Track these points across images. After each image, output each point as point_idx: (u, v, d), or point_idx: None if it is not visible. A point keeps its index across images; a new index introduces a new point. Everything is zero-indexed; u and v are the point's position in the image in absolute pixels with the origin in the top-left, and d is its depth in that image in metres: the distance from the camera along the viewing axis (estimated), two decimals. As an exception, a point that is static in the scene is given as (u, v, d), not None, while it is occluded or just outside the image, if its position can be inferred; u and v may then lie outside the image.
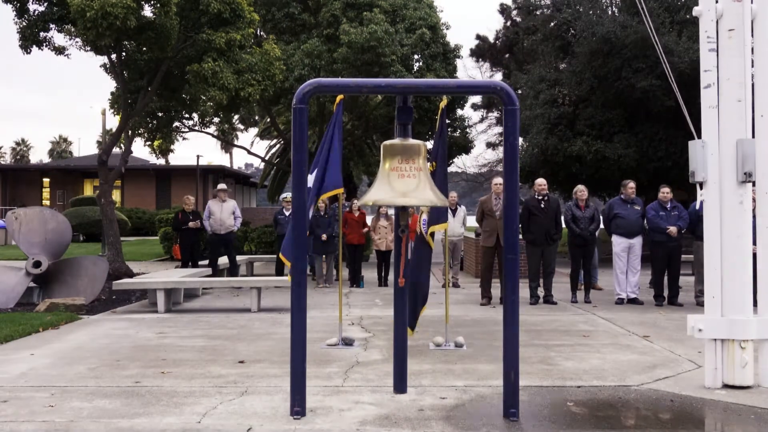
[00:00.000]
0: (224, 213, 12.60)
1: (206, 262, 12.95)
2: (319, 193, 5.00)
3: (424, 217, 5.34)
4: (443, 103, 5.16)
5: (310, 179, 4.99)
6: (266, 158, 32.43)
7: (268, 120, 25.00)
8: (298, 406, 4.59)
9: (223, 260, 13.05)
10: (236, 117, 24.67)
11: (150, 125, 15.96)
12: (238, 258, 14.20)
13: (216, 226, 12.54)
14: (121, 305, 10.47)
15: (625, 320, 8.85)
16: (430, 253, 5.30)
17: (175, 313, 9.68)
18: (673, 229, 9.93)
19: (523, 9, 25.41)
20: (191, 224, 12.81)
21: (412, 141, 4.71)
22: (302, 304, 4.61)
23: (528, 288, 10.31)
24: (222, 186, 13.17)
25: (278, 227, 13.38)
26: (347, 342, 7.11)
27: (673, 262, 10.19)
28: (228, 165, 50.70)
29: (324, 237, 12.55)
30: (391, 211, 13.20)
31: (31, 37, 13.14)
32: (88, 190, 39.07)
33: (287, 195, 13.81)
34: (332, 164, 5.02)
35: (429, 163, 5.10)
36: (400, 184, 4.53)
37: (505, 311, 4.63)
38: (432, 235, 5.30)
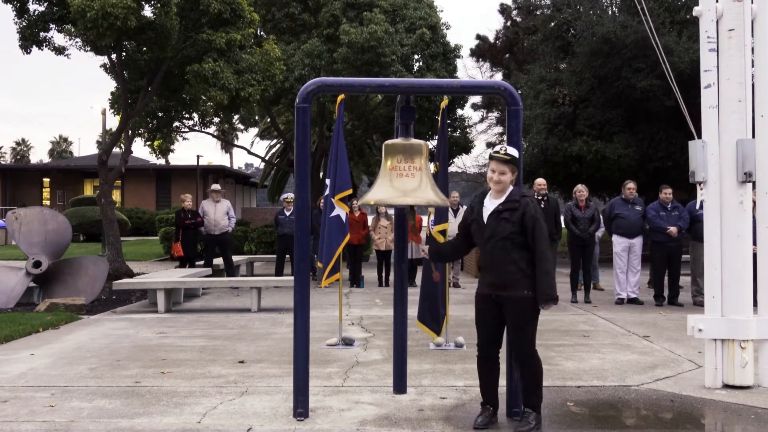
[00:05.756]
0: (218, 213, 12.63)
1: (202, 262, 12.96)
2: (333, 195, 5.06)
3: (432, 218, 5.36)
4: (444, 103, 5.16)
5: (328, 183, 5.08)
6: (266, 158, 32.44)
7: (268, 120, 25.01)
8: (302, 407, 4.58)
9: (220, 260, 13.05)
10: (236, 117, 24.68)
11: (150, 125, 15.97)
12: (238, 258, 14.21)
13: (210, 227, 12.58)
14: (121, 305, 10.48)
15: (625, 320, 8.86)
16: None
17: (175, 313, 9.68)
18: (673, 230, 9.94)
19: (523, 9, 25.43)
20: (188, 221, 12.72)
21: (413, 140, 4.71)
22: (305, 306, 4.60)
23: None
24: (215, 186, 13.18)
25: (279, 227, 13.40)
26: (347, 342, 7.14)
27: (674, 262, 10.19)
28: (228, 165, 50.71)
29: None
30: (391, 211, 13.20)
31: (31, 37, 13.14)
32: (88, 190, 39.08)
33: (287, 195, 13.84)
34: (341, 166, 5.07)
35: (432, 164, 5.11)
36: (401, 183, 4.53)
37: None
38: (443, 233, 5.31)
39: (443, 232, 5.34)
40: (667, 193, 10.20)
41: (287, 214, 13.16)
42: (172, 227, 15.82)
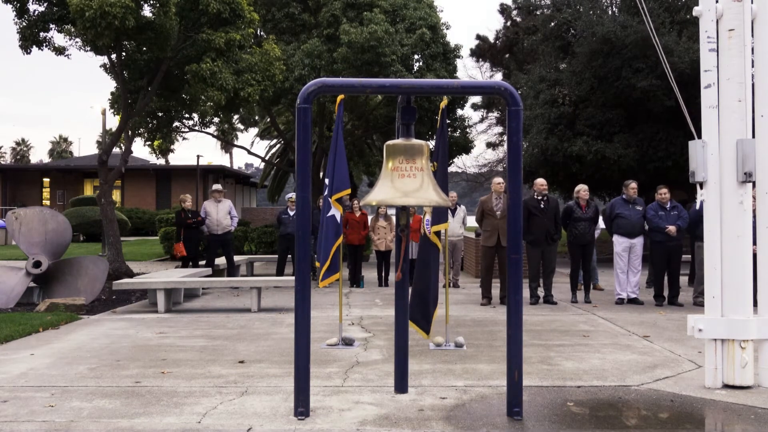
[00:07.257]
0: (220, 213, 12.63)
1: (204, 262, 12.95)
2: (331, 195, 5.07)
3: (428, 217, 5.34)
4: (444, 103, 5.15)
5: (327, 182, 5.09)
6: (266, 158, 32.43)
7: (268, 120, 25.01)
8: (302, 407, 4.58)
9: (221, 260, 13.05)
10: (236, 117, 24.67)
11: (150, 125, 15.95)
12: (238, 258, 14.20)
13: (213, 227, 12.57)
14: (121, 305, 10.47)
15: (625, 320, 8.86)
16: (437, 253, 5.29)
17: (175, 313, 9.68)
18: (671, 228, 9.94)
19: (523, 9, 25.42)
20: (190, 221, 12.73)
21: (414, 141, 4.70)
22: (306, 306, 4.60)
23: (528, 288, 10.31)
24: (217, 186, 13.18)
25: (281, 227, 13.40)
26: (347, 342, 7.11)
27: (673, 262, 10.19)
28: (228, 165, 50.69)
29: None
30: (391, 211, 13.19)
31: (31, 38, 13.13)
32: (88, 190, 39.07)
33: (292, 195, 13.83)
34: (339, 165, 5.07)
35: (431, 164, 5.10)
36: (403, 183, 4.52)
37: (508, 311, 4.63)
38: (438, 234, 5.30)
39: (438, 233, 5.33)
40: (662, 194, 10.20)
41: (291, 213, 13.16)
42: (172, 227, 15.80)
